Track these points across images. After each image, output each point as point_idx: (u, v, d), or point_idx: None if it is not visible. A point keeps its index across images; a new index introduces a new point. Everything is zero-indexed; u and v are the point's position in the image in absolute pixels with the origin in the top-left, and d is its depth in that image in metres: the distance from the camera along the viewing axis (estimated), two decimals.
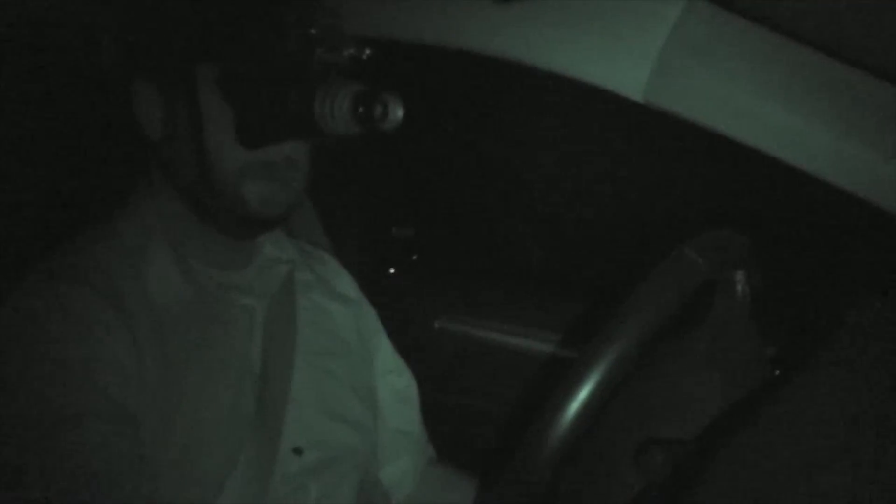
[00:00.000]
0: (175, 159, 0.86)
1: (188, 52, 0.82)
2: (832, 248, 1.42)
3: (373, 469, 1.04)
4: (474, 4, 0.93)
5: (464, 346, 1.50)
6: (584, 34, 0.90)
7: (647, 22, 0.87)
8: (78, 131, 1.25)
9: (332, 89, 0.77)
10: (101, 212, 0.92)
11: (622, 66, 0.89)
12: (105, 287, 0.81)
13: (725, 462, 0.58)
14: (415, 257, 1.72)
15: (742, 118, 0.83)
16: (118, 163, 1.12)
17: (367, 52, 0.82)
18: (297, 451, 0.90)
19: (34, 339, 0.76)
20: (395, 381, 1.14)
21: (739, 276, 0.80)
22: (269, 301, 0.95)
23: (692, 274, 0.64)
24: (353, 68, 0.82)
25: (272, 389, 0.90)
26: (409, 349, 1.51)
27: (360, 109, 0.75)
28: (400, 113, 0.77)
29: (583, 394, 0.56)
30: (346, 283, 1.14)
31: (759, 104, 0.82)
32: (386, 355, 1.15)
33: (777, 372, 0.88)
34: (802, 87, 0.81)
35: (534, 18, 0.92)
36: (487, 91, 1.68)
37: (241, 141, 0.82)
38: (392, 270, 1.64)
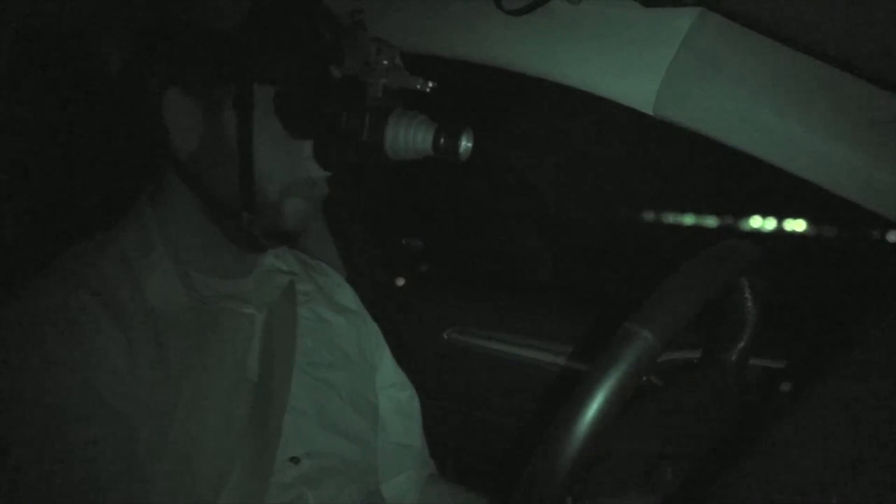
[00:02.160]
0: (209, 172, 0.87)
1: (247, 72, 0.82)
2: (842, 260, 1.41)
3: (374, 483, 1.03)
4: (487, 17, 0.94)
5: (473, 357, 1.50)
6: (594, 47, 0.90)
7: (658, 34, 0.87)
8: (81, 141, 1.25)
9: (406, 118, 0.82)
10: (103, 220, 0.92)
11: (632, 79, 0.89)
12: (102, 293, 0.81)
13: (737, 477, 0.58)
14: (424, 268, 1.72)
15: (752, 130, 0.83)
16: (120, 172, 1.12)
17: (431, 84, 0.85)
18: (294, 461, 0.89)
19: (28, 343, 0.76)
20: (396, 395, 1.14)
21: (745, 285, 0.79)
22: (268, 310, 0.95)
23: (704, 285, 0.64)
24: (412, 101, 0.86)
25: (270, 398, 0.90)
26: (418, 360, 1.51)
27: (442, 141, 0.81)
28: (471, 144, 0.84)
29: (593, 409, 0.56)
30: (348, 296, 1.14)
31: (769, 116, 0.82)
32: (388, 369, 1.15)
33: (786, 386, 0.88)
34: (812, 99, 0.81)
35: (546, 31, 0.92)
36: (497, 102, 1.69)
37: (318, 162, 0.85)
38: (401, 281, 1.64)
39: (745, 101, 0.83)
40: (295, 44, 0.83)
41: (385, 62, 0.84)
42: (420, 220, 1.80)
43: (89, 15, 1.07)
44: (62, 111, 1.25)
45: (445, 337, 1.52)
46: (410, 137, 0.82)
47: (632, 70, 0.89)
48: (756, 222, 1.57)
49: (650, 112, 0.90)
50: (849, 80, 0.79)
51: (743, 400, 0.80)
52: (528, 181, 1.87)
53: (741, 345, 0.80)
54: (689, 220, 1.69)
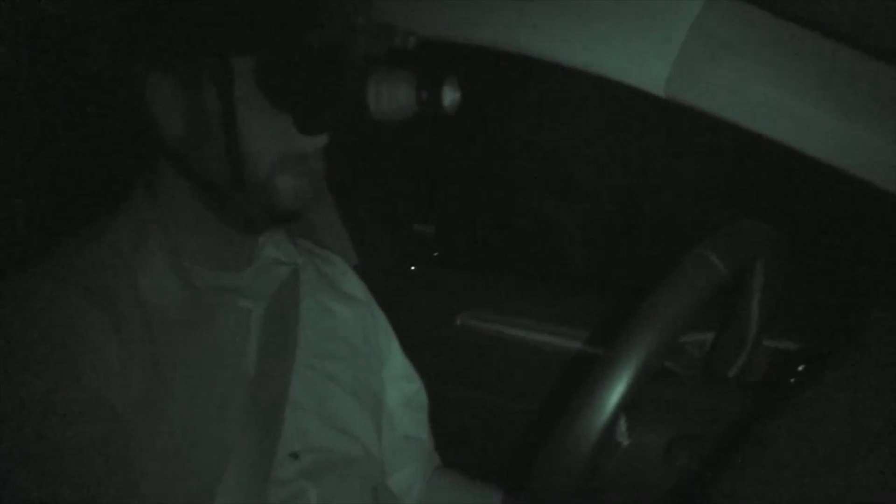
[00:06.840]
0: (199, 154, 0.83)
1: (224, 44, 0.78)
2: (858, 241, 1.40)
3: (379, 476, 1.01)
4: (493, 0, 0.93)
5: (486, 342, 1.50)
6: (604, 28, 0.90)
7: (668, 15, 0.86)
8: (74, 133, 1.25)
9: (387, 76, 0.80)
10: (97, 213, 0.91)
11: (643, 61, 0.89)
12: (94, 285, 0.79)
13: (754, 455, 0.58)
14: (436, 254, 1.72)
15: (765, 111, 0.83)
16: (114, 164, 1.12)
17: (412, 40, 0.84)
18: (294, 456, 0.88)
19: (16, 339, 0.74)
20: (404, 387, 1.13)
21: (758, 267, 0.79)
22: (267, 303, 0.93)
23: (712, 278, 0.63)
24: (396, 58, 0.84)
25: (269, 393, 0.88)
26: (430, 346, 1.51)
27: (424, 95, 0.79)
28: (458, 95, 0.81)
29: (612, 395, 0.56)
30: (355, 285, 1.12)
31: (782, 97, 0.82)
32: (396, 360, 1.13)
33: (801, 367, 0.88)
34: (824, 78, 0.80)
35: (554, 14, 0.91)
36: (506, 87, 1.68)
37: (299, 129, 0.81)
38: (413, 267, 1.64)
39: (757, 82, 0.83)
40: (272, 11, 0.78)
41: (362, 20, 0.82)
42: (431, 205, 1.79)
43: (82, 8, 1.06)
44: (62, 104, 1.24)
45: (458, 322, 1.52)
46: (393, 94, 0.80)
47: (642, 51, 0.89)
48: (774, 206, 1.55)
49: (661, 94, 0.89)
50: (863, 58, 0.78)
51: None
52: (539, 167, 1.87)
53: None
54: (700, 203, 1.68)
